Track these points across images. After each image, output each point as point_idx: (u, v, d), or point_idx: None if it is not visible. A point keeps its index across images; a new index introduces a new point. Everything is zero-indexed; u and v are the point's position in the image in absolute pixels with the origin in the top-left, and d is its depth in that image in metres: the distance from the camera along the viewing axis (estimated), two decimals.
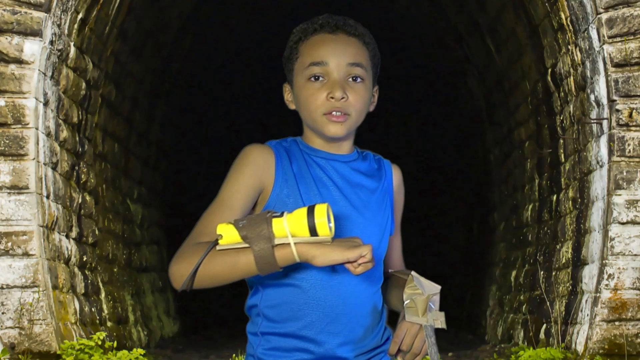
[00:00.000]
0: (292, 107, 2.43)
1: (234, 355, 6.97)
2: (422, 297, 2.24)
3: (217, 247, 2.16)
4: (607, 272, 5.96)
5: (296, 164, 2.36)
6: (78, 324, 6.46)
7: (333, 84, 2.32)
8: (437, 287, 2.26)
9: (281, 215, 2.14)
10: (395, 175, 2.47)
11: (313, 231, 2.12)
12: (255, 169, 2.31)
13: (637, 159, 6.00)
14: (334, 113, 2.32)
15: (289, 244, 2.14)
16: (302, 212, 2.13)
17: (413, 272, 2.29)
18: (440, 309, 2.26)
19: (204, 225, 2.25)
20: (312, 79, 2.34)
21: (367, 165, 2.44)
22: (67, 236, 6.62)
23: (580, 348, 6.05)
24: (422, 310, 2.23)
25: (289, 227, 2.12)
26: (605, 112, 6.10)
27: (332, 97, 2.31)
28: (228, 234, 2.15)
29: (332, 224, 2.14)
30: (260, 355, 2.32)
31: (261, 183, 2.32)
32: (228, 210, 2.26)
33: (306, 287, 2.29)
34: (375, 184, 2.41)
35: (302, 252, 2.13)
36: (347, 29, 2.38)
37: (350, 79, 2.35)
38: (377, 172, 2.44)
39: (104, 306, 7.41)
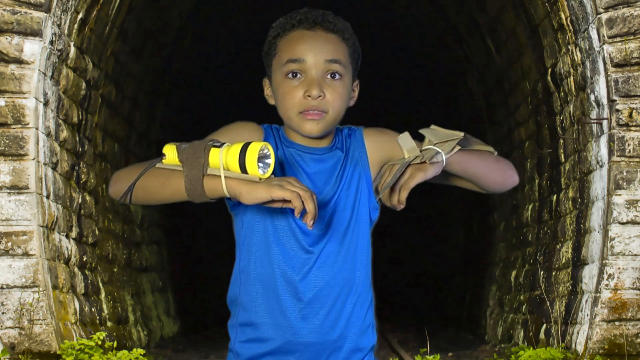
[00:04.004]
0: (272, 102, 2.41)
1: None
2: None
3: (157, 165, 2.18)
4: (607, 272, 5.96)
5: (280, 150, 2.36)
6: (78, 324, 6.46)
7: (310, 82, 2.30)
8: (456, 135, 2.35)
9: (221, 145, 2.13)
10: (367, 137, 2.42)
11: (243, 168, 2.10)
12: (237, 137, 2.28)
13: (637, 159, 6.00)
14: (310, 111, 2.30)
15: (219, 176, 2.12)
16: (238, 147, 2.10)
17: (432, 127, 2.37)
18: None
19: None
20: (290, 75, 2.32)
21: (340, 148, 2.40)
22: (67, 236, 6.62)
23: (580, 348, 6.05)
24: (408, 149, 2.33)
25: (223, 160, 2.10)
26: (605, 112, 6.10)
27: (308, 96, 2.29)
28: (170, 155, 2.16)
29: (271, 165, 2.12)
30: (238, 349, 2.33)
31: None
32: None
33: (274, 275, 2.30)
34: (348, 165, 2.38)
35: (231, 187, 2.12)
36: (326, 25, 2.34)
37: (329, 76, 2.32)
38: (346, 152, 2.40)
39: (104, 306, 7.41)
